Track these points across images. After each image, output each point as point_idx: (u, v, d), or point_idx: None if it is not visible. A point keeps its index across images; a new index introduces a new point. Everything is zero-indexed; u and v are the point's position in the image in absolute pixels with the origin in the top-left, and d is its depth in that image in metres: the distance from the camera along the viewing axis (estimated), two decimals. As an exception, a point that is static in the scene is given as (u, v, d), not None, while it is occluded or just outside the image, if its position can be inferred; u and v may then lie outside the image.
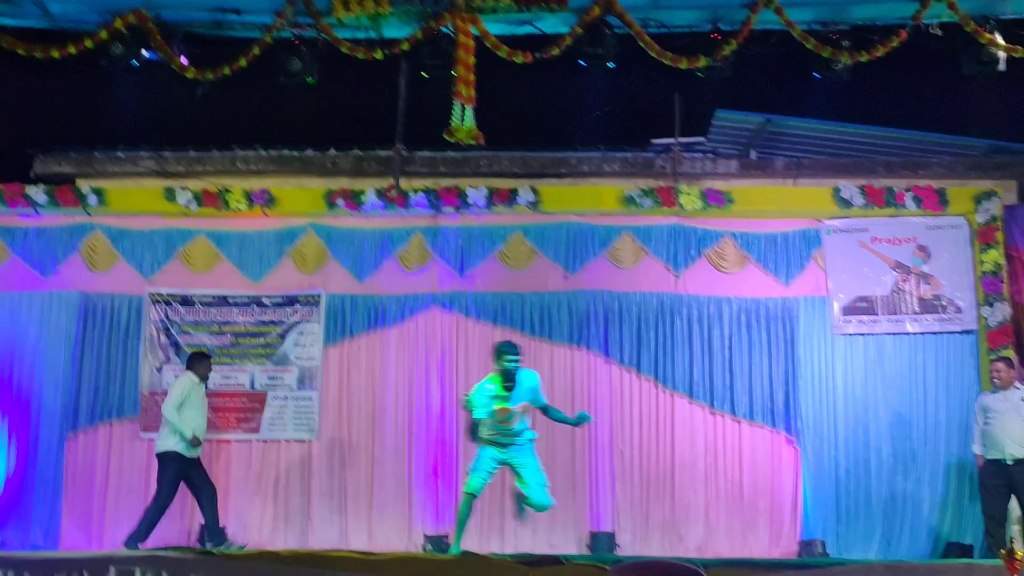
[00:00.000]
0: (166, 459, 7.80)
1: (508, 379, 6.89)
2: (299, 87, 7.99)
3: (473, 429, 6.97)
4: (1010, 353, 8.35)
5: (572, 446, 8.64)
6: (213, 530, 7.83)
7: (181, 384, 7.93)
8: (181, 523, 8.53)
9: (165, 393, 8.63)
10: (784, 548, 8.34)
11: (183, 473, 7.80)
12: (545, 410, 7.18)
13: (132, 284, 8.95)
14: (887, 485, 8.50)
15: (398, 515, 8.55)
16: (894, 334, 8.71)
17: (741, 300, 8.83)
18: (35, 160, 9.23)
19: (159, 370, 8.85)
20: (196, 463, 7.89)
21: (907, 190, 8.78)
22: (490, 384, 6.94)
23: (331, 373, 8.83)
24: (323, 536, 8.52)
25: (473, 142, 7.51)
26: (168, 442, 7.77)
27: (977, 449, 7.67)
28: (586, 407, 8.56)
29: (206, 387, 8.13)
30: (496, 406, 6.84)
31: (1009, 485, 7.46)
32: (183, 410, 7.78)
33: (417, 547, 8.39)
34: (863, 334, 8.73)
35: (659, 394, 8.72)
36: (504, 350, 6.97)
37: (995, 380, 7.70)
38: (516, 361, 6.92)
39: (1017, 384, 7.68)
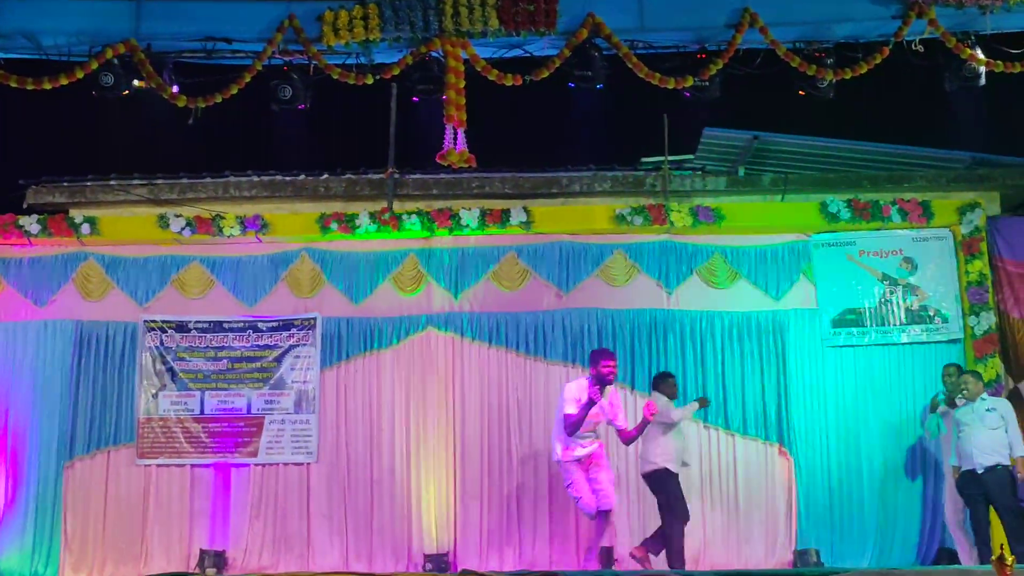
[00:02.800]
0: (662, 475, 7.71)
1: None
2: (291, 113, 7.92)
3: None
4: (996, 363, 8.40)
5: (570, 461, 8.58)
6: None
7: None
8: (180, 547, 8.54)
9: (163, 420, 8.77)
10: (779, 558, 8.34)
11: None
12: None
13: (127, 311, 8.91)
14: (879, 494, 8.52)
15: (399, 536, 8.52)
16: (883, 345, 8.73)
17: (732, 315, 8.83)
18: (28, 190, 9.17)
19: (155, 396, 8.82)
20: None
21: (892, 203, 8.79)
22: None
23: (328, 396, 8.80)
24: (324, 559, 8.47)
25: (465, 164, 7.51)
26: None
27: (951, 460, 7.75)
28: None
29: None
30: None
31: (984, 494, 7.51)
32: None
33: (418, 567, 8.33)
34: (852, 346, 8.75)
35: None
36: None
37: (963, 392, 7.70)
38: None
39: (984, 395, 7.71)
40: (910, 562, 8.25)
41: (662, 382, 8.01)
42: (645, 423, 7.39)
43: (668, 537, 7.60)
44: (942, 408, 8.07)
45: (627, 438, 7.55)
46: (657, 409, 7.48)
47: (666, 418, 7.75)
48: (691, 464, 8.17)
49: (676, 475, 7.76)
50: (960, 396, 7.79)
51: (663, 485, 7.70)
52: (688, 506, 7.88)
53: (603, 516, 7.43)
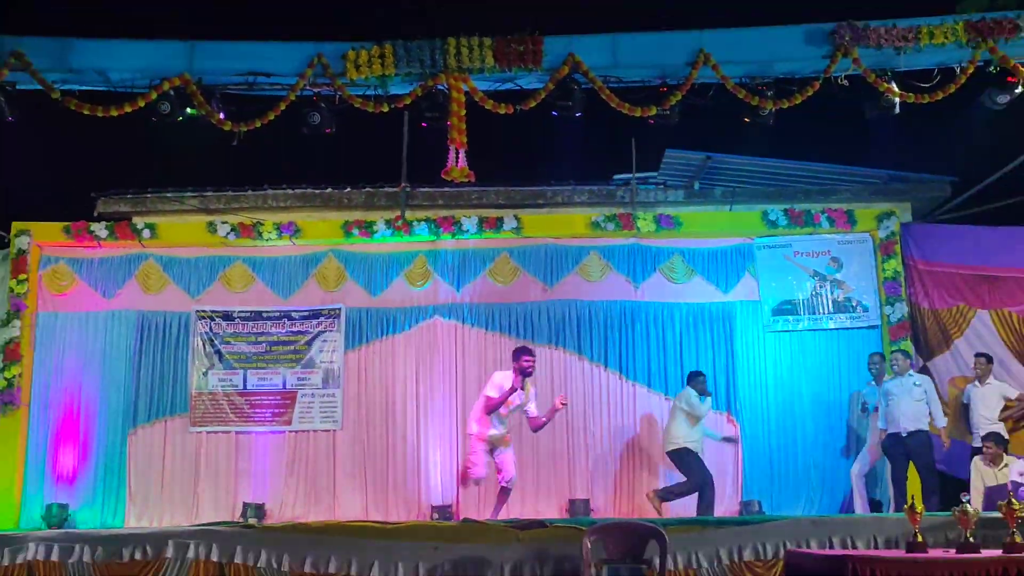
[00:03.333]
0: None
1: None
2: (319, 136, 7.91)
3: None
4: (908, 345, 8.41)
5: (553, 428, 8.51)
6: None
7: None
8: (227, 501, 8.56)
9: (212, 394, 8.67)
10: (727, 508, 8.37)
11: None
12: None
13: (181, 303, 8.91)
14: (811, 455, 8.56)
15: (411, 492, 8.53)
16: (814, 330, 8.75)
17: (689, 305, 8.84)
18: (98, 201, 9.19)
19: (205, 374, 8.81)
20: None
21: (822, 212, 8.83)
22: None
23: (351, 374, 8.79)
24: (348, 510, 8.49)
25: (465, 179, 7.48)
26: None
27: (880, 424, 7.73)
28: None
29: None
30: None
31: (906, 453, 7.53)
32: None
33: (426, 516, 8.35)
34: (789, 331, 8.77)
35: (623, 384, 8.73)
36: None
37: (894, 367, 7.75)
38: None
39: (911, 371, 7.76)
40: (835, 512, 8.28)
41: (694, 380, 7.99)
42: (554, 411, 7.29)
43: (700, 496, 7.73)
44: (865, 391, 8.12)
45: (535, 425, 7.43)
46: (567, 400, 7.48)
47: (696, 411, 7.81)
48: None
49: (696, 453, 7.83)
50: (889, 371, 7.82)
51: (685, 460, 7.79)
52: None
53: (503, 491, 7.41)
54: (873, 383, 8.09)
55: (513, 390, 7.16)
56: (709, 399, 7.97)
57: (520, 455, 8.44)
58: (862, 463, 8.01)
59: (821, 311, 8.77)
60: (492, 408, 7.16)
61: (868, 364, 8.17)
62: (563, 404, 7.28)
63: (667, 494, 7.89)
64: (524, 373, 7.20)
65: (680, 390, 8.31)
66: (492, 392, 7.20)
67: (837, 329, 8.73)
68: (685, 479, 7.84)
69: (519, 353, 7.33)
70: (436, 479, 8.56)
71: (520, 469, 8.36)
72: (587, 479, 8.57)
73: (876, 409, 7.87)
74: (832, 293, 8.77)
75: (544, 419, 7.34)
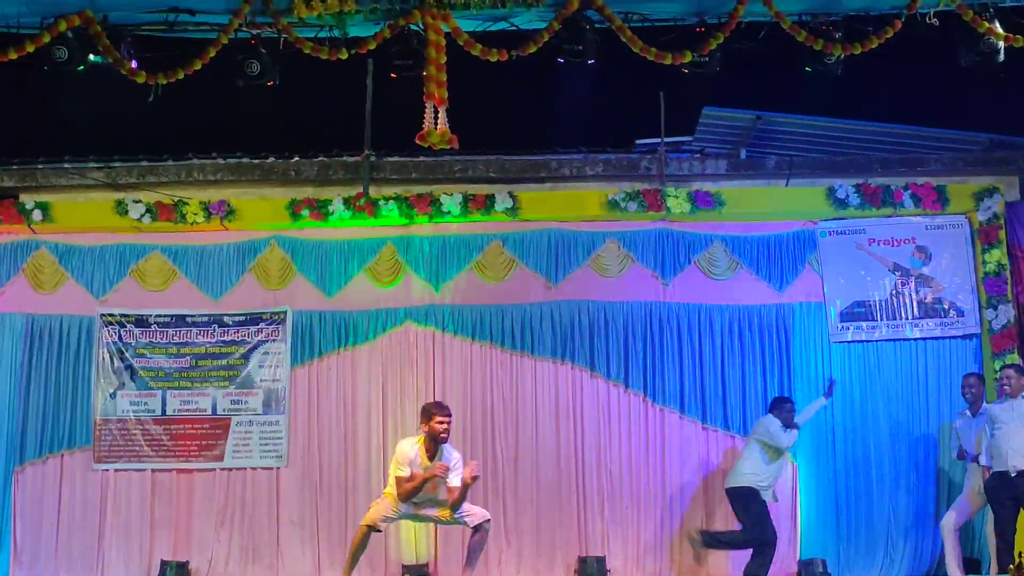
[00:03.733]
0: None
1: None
2: (259, 91, 7.88)
3: None
4: (1015, 358, 8.38)
5: (558, 466, 8.63)
6: None
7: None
8: (140, 558, 8.55)
9: (119, 420, 8.68)
10: (782, 569, 8.31)
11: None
12: None
13: (81, 305, 8.89)
14: (889, 499, 8.55)
15: (374, 546, 8.12)
16: (893, 340, 8.76)
17: (733, 308, 8.84)
18: (-27, 175, 9.11)
19: (112, 396, 8.79)
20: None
21: (905, 188, 8.80)
22: None
23: (299, 395, 8.80)
24: (294, 569, 8.50)
25: (446, 146, 7.41)
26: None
27: (983, 460, 7.64)
28: (572, 424, 8.70)
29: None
30: None
31: (1015, 497, 7.42)
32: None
33: None
34: (861, 341, 8.76)
35: (648, 409, 8.74)
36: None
37: (1004, 388, 7.58)
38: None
39: None
40: (923, 572, 8.34)
41: (778, 407, 8.05)
42: (466, 487, 6.94)
43: (755, 554, 7.75)
44: (958, 425, 8.08)
45: (452, 501, 6.98)
46: (479, 472, 7.17)
47: (776, 442, 7.86)
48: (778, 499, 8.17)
49: (762, 499, 7.84)
50: (992, 394, 7.82)
51: (746, 503, 7.83)
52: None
53: (478, 532, 7.09)
54: (967, 413, 8.04)
55: (427, 476, 6.89)
56: (795, 433, 7.99)
57: (516, 500, 8.60)
58: (958, 513, 7.98)
59: (903, 316, 8.80)
60: (407, 494, 6.91)
61: (962, 388, 8.13)
62: (474, 478, 6.95)
63: (713, 540, 8.02)
64: (436, 440, 6.98)
65: (720, 414, 8.48)
66: (402, 470, 6.92)
67: (924, 339, 8.77)
68: (740, 527, 7.90)
69: (430, 411, 7.04)
70: (408, 531, 8.52)
71: (516, 517, 8.57)
72: (602, 531, 8.57)
73: (976, 457, 7.81)
74: (918, 292, 8.80)
75: (457, 496, 6.97)
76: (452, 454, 7.06)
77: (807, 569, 8.29)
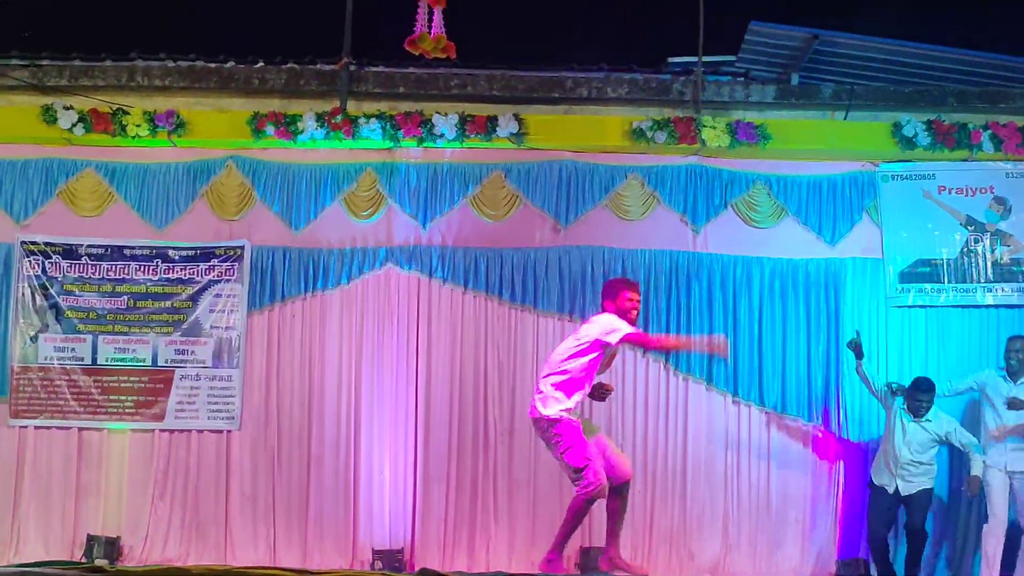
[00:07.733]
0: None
1: None
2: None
3: None
4: (1099, 331, 8.14)
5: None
6: None
7: None
8: (63, 531, 8.26)
9: (41, 368, 8.39)
10: (819, 568, 8.16)
11: None
12: None
13: (-1, 230, 8.60)
14: (947, 490, 8.25)
15: (341, 525, 8.29)
16: (963, 307, 8.49)
17: (775, 261, 8.53)
18: None
19: (34, 340, 8.47)
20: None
21: (984, 127, 8.42)
22: None
23: (256, 347, 8.50)
24: (245, 551, 8.24)
25: (442, 55, 6.92)
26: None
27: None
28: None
29: None
30: None
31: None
32: None
33: (365, 565, 8.08)
34: (924, 306, 8.50)
35: (670, 378, 8.44)
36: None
37: None
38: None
39: None
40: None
41: (916, 391, 7.82)
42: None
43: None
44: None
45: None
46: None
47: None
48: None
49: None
50: None
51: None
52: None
53: (617, 494, 6.62)
54: (1008, 379, 7.84)
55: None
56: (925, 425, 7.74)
57: (509, 480, 8.34)
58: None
59: (975, 278, 8.50)
60: (640, 341, 6.88)
61: (1006, 353, 7.88)
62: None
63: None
64: (625, 318, 6.68)
65: (755, 386, 8.25)
66: (621, 329, 6.54)
67: (997, 306, 8.47)
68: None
69: (618, 288, 6.82)
70: (381, 509, 8.30)
71: (509, 499, 8.30)
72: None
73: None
74: (993, 251, 8.52)
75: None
76: None
77: (847, 569, 8.05)
